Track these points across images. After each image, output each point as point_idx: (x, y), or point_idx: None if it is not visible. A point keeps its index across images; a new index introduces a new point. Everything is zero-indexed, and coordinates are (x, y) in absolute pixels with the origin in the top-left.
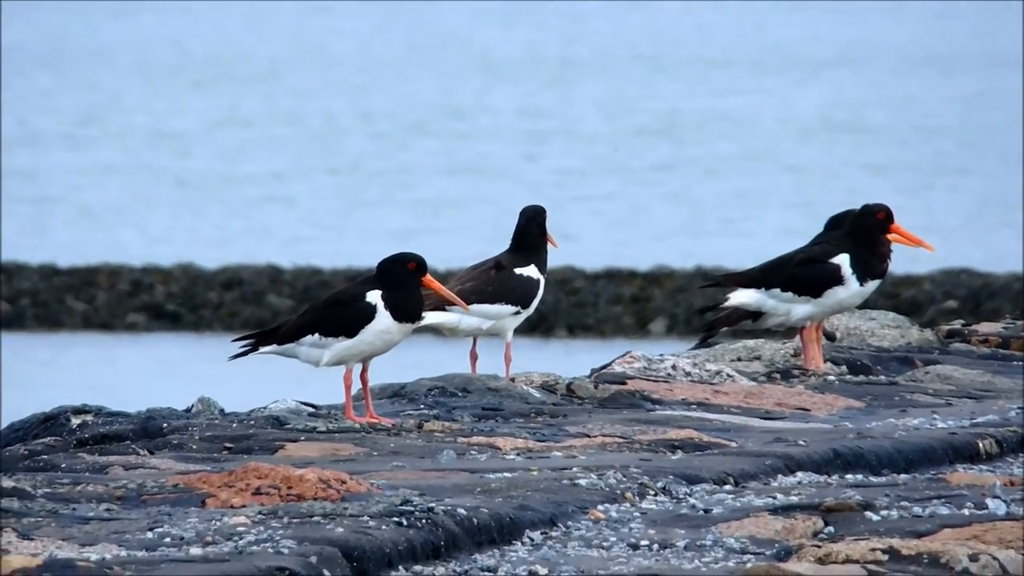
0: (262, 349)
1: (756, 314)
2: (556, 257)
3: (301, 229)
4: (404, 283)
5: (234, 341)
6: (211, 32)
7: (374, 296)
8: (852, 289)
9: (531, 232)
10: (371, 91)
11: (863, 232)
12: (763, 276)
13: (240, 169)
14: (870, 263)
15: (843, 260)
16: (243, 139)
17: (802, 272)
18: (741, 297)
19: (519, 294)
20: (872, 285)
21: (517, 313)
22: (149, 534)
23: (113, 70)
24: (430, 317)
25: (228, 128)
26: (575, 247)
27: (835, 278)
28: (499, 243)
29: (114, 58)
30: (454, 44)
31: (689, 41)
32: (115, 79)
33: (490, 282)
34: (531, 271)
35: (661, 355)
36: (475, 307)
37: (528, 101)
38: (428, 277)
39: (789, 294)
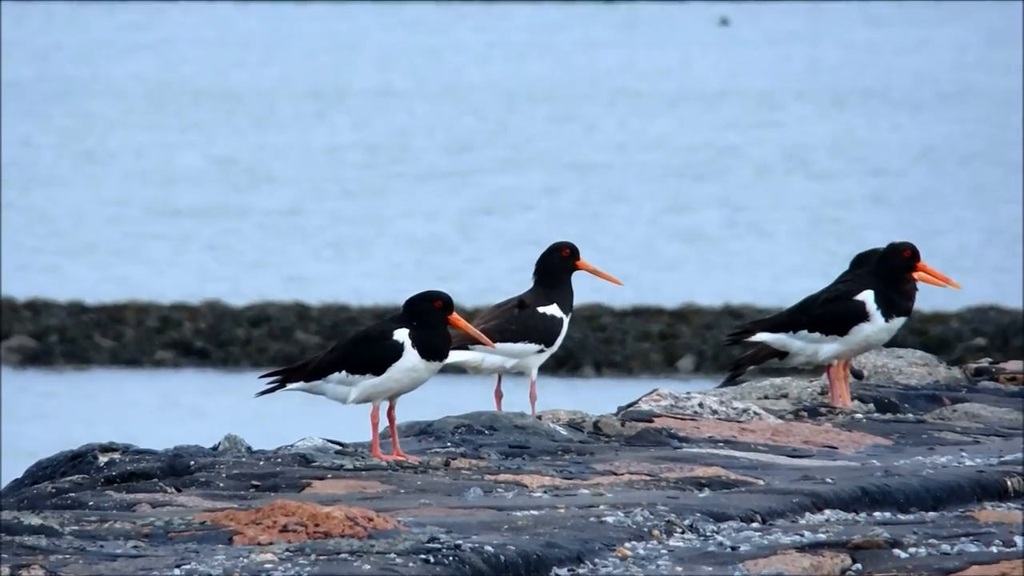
0: (289, 386)
1: (783, 352)
2: (583, 294)
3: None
4: (431, 321)
5: (261, 378)
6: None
7: (401, 334)
8: (878, 325)
9: (555, 269)
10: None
11: (888, 270)
12: (790, 319)
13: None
14: (895, 300)
15: (868, 297)
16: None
17: (827, 311)
18: (767, 337)
19: (542, 332)
20: (898, 322)
21: (541, 351)
22: (176, 571)
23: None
24: (454, 355)
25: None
26: (602, 284)
27: (860, 315)
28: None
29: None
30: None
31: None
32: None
33: (513, 321)
34: (554, 309)
35: (688, 393)
36: (499, 346)
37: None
38: (455, 315)
39: (816, 334)
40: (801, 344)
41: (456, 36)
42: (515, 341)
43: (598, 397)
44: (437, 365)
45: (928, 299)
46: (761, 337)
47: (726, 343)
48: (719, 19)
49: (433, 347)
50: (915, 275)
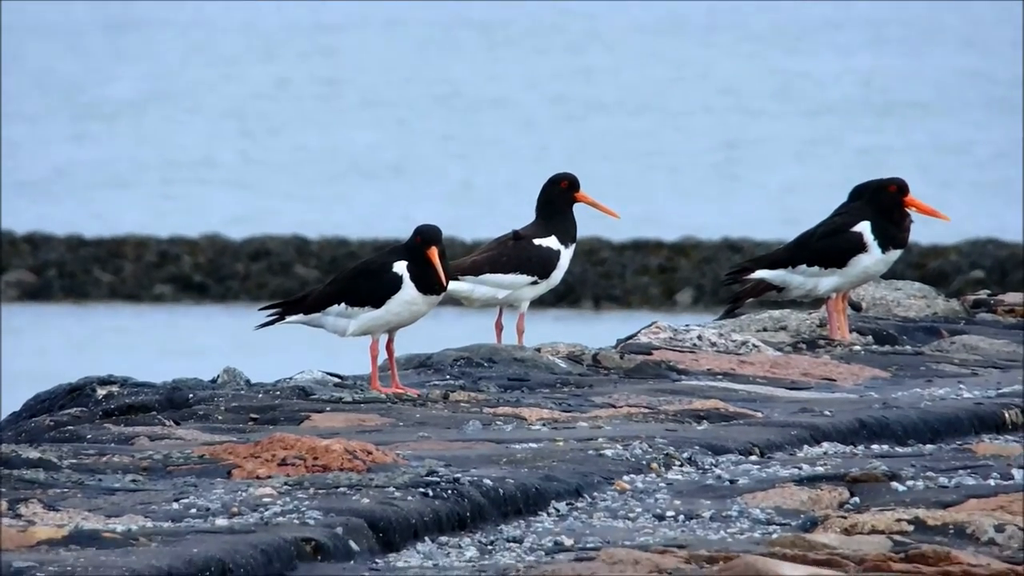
0: (289, 318)
1: (782, 287)
2: (582, 228)
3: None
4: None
5: (261, 310)
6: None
7: (400, 267)
8: (875, 256)
9: (554, 201)
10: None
11: (880, 205)
12: (788, 256)
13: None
14: (891, 231)
15: (864, 228)
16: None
17: (825, 244)
18: (766, 274)
19: (535, 264)
20: (895, 254)
21: (535, 283)
22: (175, 505)
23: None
24: None
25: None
26: (601, 218)
27: (858, 246)
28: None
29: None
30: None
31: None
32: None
33: (505, 252)
34: (551, 241)
35: (687, 325)
36: (489, 276)
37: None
38: (432, 250)
39: (815, 268)
40: (801, 279)
41: None
42: (506, 272)
43: (597, 331)
44: (435, 299)
45: (926, 232)
46: (760, 274)
47: (725, 282)
48: None
49: (431, 281)
50: (906, 208)
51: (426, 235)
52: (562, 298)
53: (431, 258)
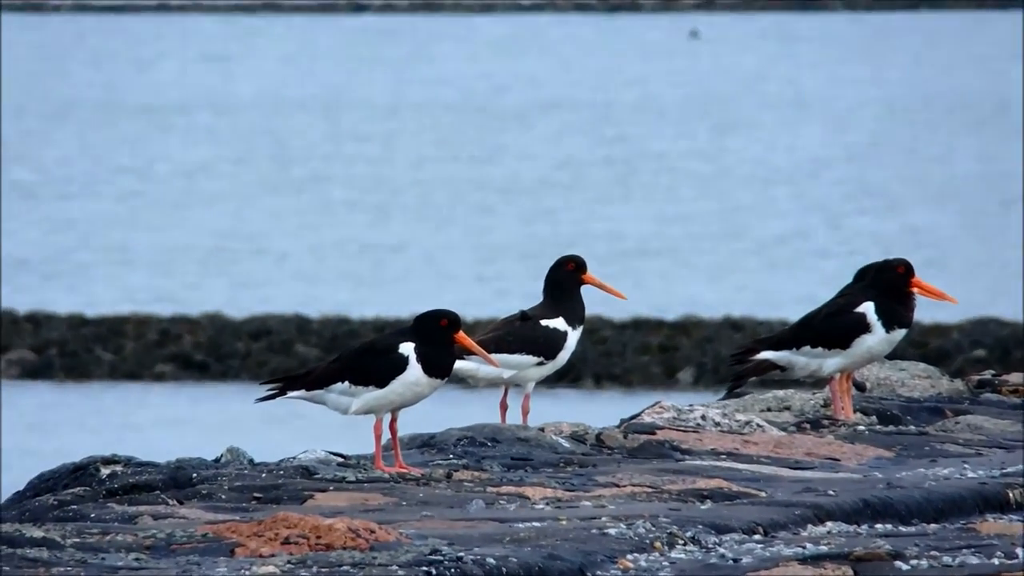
0: (290, 393)
1: (786, 367)
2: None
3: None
4: (437, 338)
5: (263, 384)
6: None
7: (407, 348)
8: (879, 336)
9: (562, 282)
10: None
11: (885, 285)
12: (792, 336)
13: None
14: (895, 311)
15: (868, 308)
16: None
17: (829, 325)
18: (770, 355)
19: (542, 345)
20: (899, 334)
21: (541, 364)
22: None
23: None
24: None
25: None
26: (602, 297)
27: (862, 326)
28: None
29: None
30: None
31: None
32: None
33: (512, 332)
34: (558, 323)
35: (691, 405)
36: (495, 356)
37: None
38: (461, 334)
39: (819, 349)
40: (805, 360)
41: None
42: (512, 352)
43: (598, 409)
44: (439, 382)
45: (928, 311)
46: (765, 355)
47: (730, 363)
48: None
49: (437, 364)
50: (911, 290)
51: (453, 318)
52: (563, 376)
53: (463, 341)
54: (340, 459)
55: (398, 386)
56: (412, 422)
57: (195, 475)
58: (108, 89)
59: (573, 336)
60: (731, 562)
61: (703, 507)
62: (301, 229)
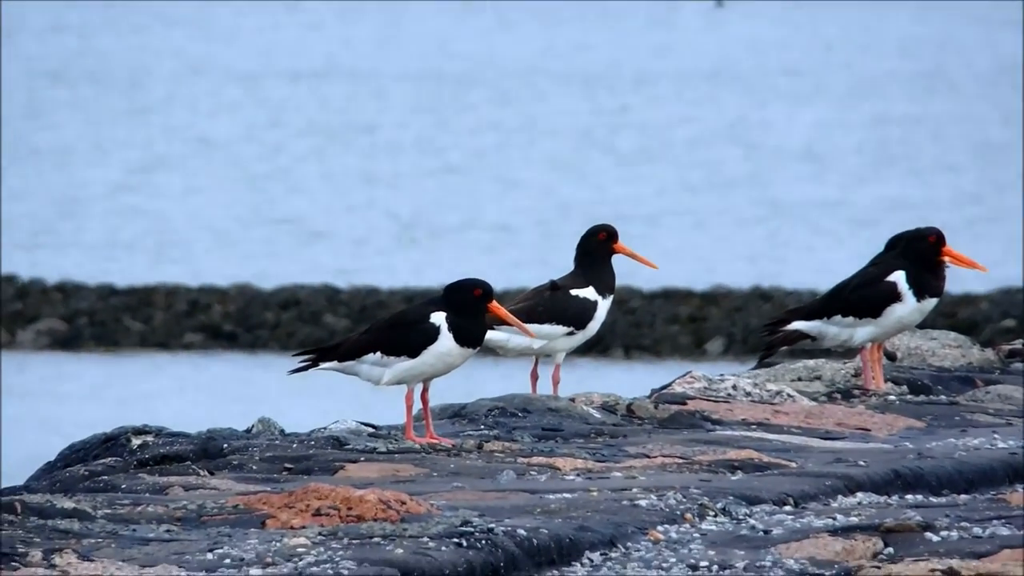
0: (322, 365)
1: (817, 337)
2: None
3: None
4: (470, 308)
5: (295, 355)
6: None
7: (439, 318)
8: (910, 306)
9: (592, 252)
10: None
11: (916, 254)
12: (823, 307)
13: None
14: (926, 279)
15: (899, 277)
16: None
17: (860, 294)
18: (802, 325)
19: (572, 315)
20: (930, 303)
21: (571, 334)
22: (209, 555)
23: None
24: None
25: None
26: (633, 266)
27: (893, 296)
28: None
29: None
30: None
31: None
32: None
33: (542, 302)
34: (588, 292)
35: (721, 375)
36: (527, 327)
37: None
38: (494, 303)
39: (851, 318)
40: (836, 329)
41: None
42: (542, 322)
43: (627, 380)
44: (471, 352)
45: (957, 281)
46: (796, 326)
47: (762, 334)
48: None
49: (469, 334)
50: (941, 259)
51: (486, 288)
52: (592, 347)
53: (497, 311)
54: (371, 429)
55: (429, 356)
56: (443, 393)
57: (226, 446)
58: (141, 53)
59: (603, 306)
60: (761, 533)
61: (733, 478)
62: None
